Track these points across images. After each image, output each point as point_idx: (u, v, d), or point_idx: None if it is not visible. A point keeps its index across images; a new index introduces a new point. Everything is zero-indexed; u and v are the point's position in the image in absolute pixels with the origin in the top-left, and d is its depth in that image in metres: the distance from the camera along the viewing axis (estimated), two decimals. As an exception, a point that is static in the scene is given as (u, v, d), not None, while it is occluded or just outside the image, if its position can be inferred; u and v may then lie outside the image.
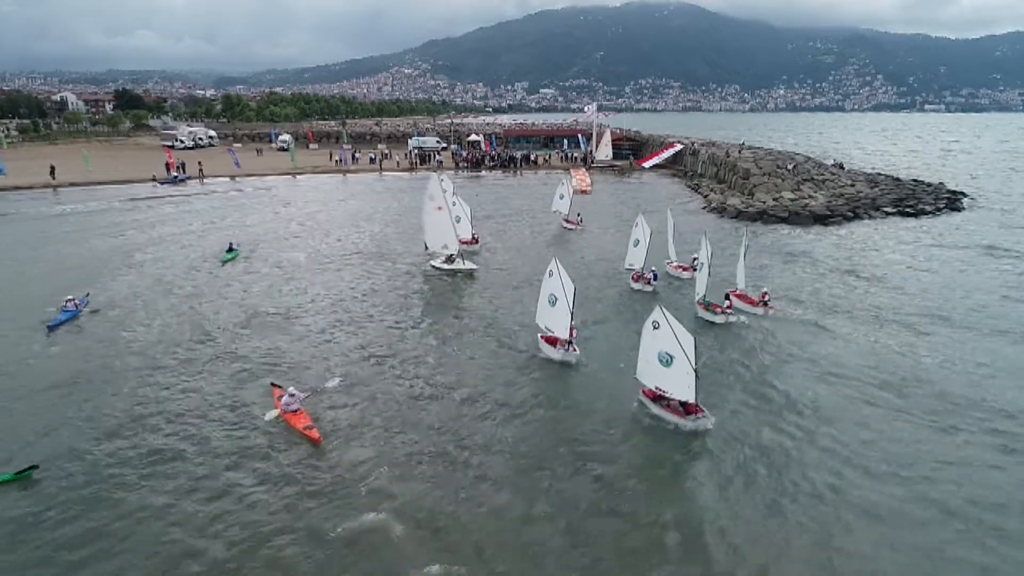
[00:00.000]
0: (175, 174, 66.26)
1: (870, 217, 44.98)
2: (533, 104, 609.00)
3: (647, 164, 79.51)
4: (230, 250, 34.60)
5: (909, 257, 34.36)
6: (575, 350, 20.47)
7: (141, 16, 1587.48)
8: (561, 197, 43.36)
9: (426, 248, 32.48)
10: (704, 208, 49.49)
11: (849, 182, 56.03)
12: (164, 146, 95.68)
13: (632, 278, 28.94)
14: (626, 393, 18.31)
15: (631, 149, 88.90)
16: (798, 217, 44.16)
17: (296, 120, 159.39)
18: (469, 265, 31.37)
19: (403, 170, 78.60)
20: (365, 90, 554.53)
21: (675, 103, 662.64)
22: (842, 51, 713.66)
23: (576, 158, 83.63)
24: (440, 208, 30.66)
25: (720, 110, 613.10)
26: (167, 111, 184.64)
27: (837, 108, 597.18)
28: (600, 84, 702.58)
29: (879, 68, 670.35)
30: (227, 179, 67.66)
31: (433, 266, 31.71)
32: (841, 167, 63.04)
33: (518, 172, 77.38)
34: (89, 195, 55.41)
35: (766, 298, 25.30)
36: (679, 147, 79.59)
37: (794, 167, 55.15)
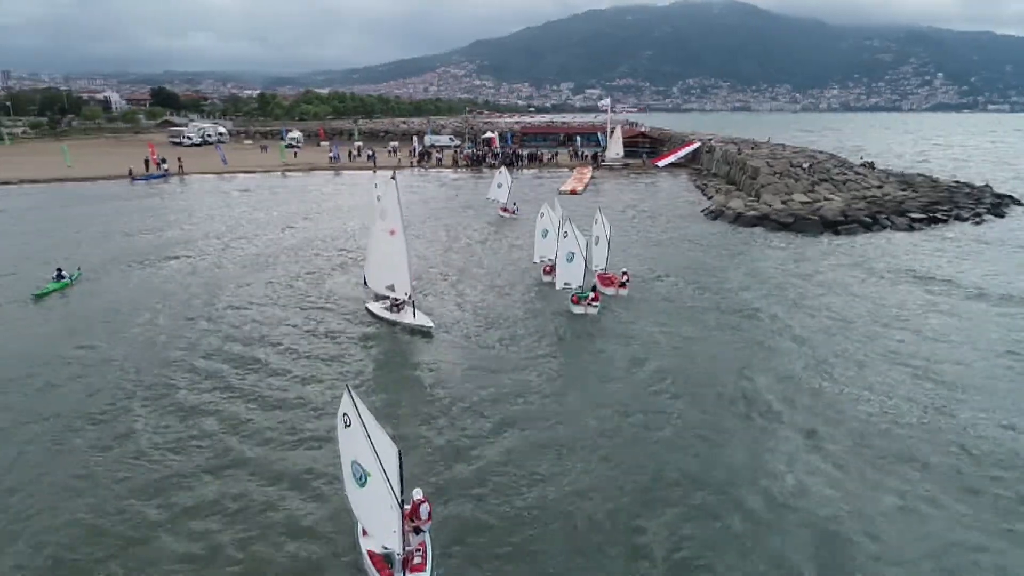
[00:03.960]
0: (165, 169, 63.76)
1: (891, 224, 38.67)
2: (578, 104, 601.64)
3: (661, 163, 73.94)
4: (58, 278, 25.84)
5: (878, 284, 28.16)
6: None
7: (194, 18, 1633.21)
8: (499, 186, 43.64)
9: (365, 284, 23.82)
10: (702, 211, 43.85)
11: (876, 183, 49.55)
12: (171, 142, 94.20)
13: (544, 270, 26.92)
14: None
15: (649, 147, 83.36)
16: (805, 223, 38.12)
17: (323, 118, 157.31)
18: (422, 320, 21.80)
19: (403, 167, 74.72)
20: (411, 90, 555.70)
21: (724, 103, 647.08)
22: (900, 49, 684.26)
23: (586, 156, 78.26)
24: (393, 232, 21.47)
25: (770, 110, 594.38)
26: (205, 109, 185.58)
27: (894, 108, 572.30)
28: (647, 84, 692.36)
29: (939, 67, 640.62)
30: (212, 176, 64.72)
31: (369, 311, 23.12)
32: (871, 166, 56.37)
33: (520, 170, 72.59)
34: (26, 192, 52.70)
35: (624, 279, 25.23)
36: (696, 145, 73.72)
37: (810, 166, 48.94)
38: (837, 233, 37.07)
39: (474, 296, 25.51)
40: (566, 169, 71.31)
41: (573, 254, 22.98)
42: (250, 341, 20.44)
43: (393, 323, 22.08)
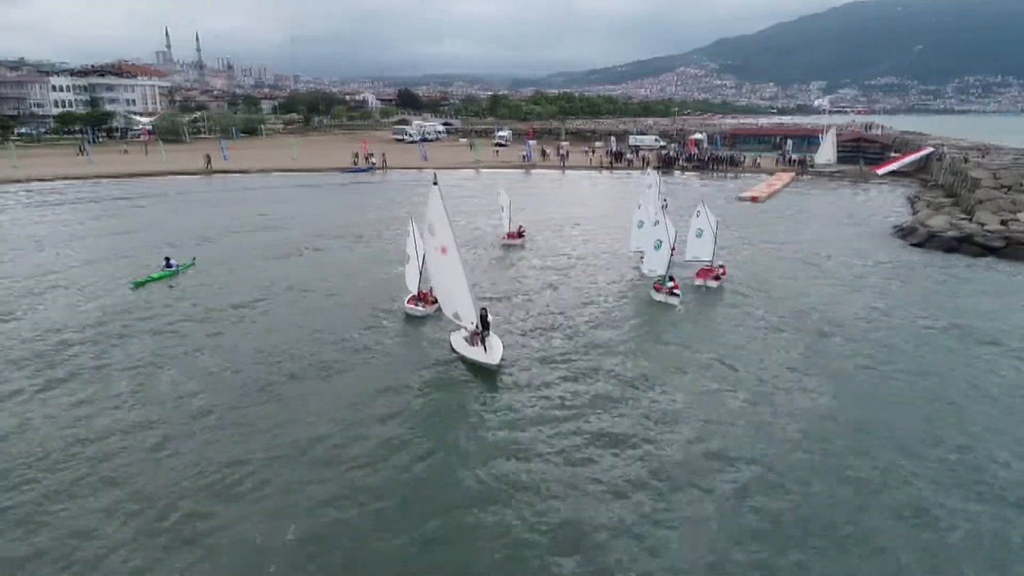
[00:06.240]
0: (372, 163, 69.94)
1: None
2: (827, 105, 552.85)
3: (881, 171, 65.03)
4: (166, 267, 26.37)
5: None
6: None
7: (449, 25, 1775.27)
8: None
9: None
10: (893, 227, 37.67)
11: None
12: (395, 139, 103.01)
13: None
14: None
15: (876, 152, 73.77)
16: (1019, 248, 31.15)
17: (547, 119, 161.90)
18: (491, 356, 17.41)
19: (594, 167, 74.31)
20: (647, 91, 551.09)
21: (1013, 104, 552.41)
22: None
23: (793, 160, 71.37)
24: (445, 250, 18.12)
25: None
26: (443, 109, 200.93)
27: None
28: (914, 83, 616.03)
29: None
30: (411, 170, 69.46)
31: (453, 348, 18.72)
32: None
33: (713, 173, 68.53)
34: (234, 181, 60.35)
35: (720, 272, 25.96)
36: (927, 151, 63.81)
37: (1051, 179, 39.84)
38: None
39: (570, 283, 26.52)
40: (766, 174, 65.72)
41: (661, 242, 23.96)
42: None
43: (466, 359, 17.99)
